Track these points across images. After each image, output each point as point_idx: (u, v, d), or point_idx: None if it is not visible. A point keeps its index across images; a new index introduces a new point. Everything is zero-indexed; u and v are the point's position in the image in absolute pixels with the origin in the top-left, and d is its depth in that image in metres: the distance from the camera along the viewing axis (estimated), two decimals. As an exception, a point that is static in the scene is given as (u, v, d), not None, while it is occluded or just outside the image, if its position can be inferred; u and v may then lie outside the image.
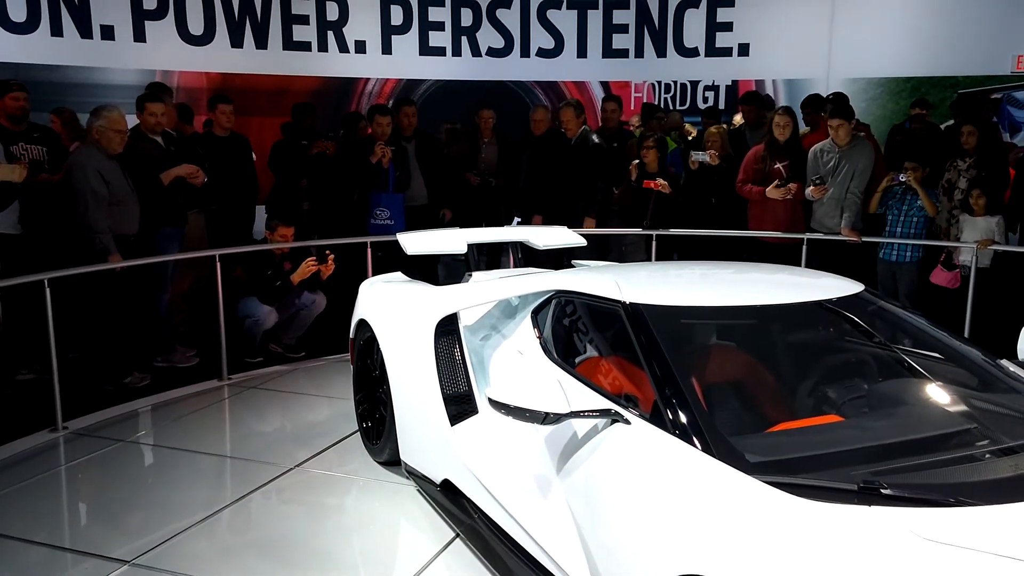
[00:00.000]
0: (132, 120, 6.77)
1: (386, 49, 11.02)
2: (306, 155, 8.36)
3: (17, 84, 6.63)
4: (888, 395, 3.30)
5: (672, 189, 7.64)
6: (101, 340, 6.45)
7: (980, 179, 7.07)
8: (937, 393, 3.23)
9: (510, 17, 11.21)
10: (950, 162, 7.44)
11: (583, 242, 5.62)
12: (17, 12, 8.77)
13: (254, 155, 8.35)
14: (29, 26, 8.88)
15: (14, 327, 6.33)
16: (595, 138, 8.07)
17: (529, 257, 5.80)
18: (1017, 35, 9.88)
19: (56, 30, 9.03)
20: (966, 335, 6.35)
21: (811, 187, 7.12)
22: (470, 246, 5.34)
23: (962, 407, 3.08)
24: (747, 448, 2.69)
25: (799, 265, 7.02)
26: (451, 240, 5.28)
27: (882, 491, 2.38)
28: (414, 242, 5.24)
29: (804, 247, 7.24)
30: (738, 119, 9.28)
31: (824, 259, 7.01)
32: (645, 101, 10.55)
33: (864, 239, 7.15)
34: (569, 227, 6.07)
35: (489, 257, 6.79)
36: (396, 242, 5.43)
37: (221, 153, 7.64)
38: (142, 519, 4.40)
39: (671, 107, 11.16)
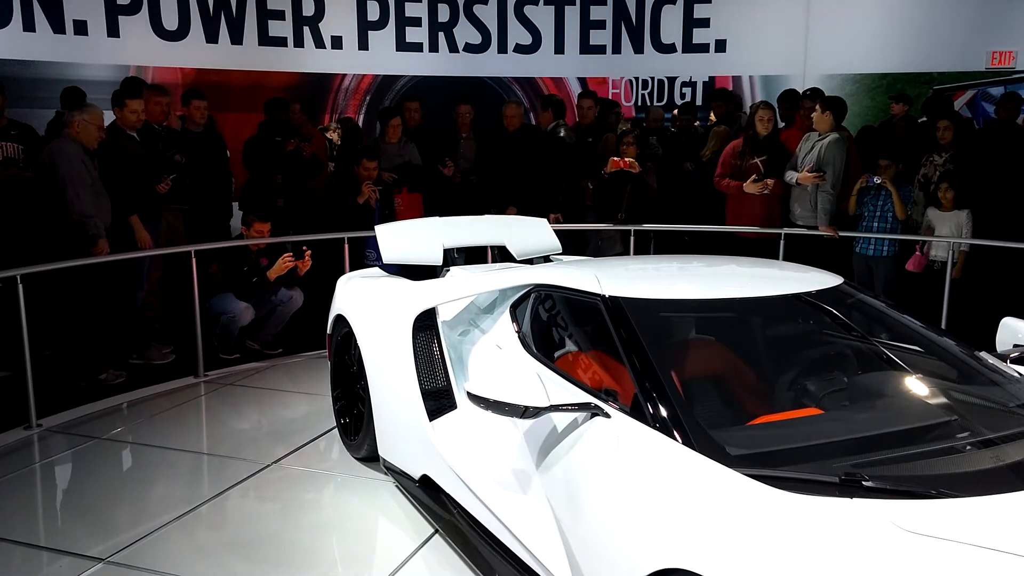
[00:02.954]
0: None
1: (363, 45, 10.98)
2: (280, 152, 8.31)
3: None
4: (868, 388, 3.29)
5: (640, 169, 7.67)
6: (76, 337, 6.38)
7: (949, 173, 7.13)
8: (917, 386, 3.23)
9: (487, 13, 11.21)
10: (926, 157, 7.49)
11: (559, 248, 5.58)
12: (-12, 7, 8.68)
13: (228, 151, 8.29)
14: (1, 21, 8.77)
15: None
16: (562, 132, 8.09)
17: (506, 252, 5.77)
18: (992, 31, 9.98)
19: (28, 25, 8.92)
20: (943, 328, 6.39)
21: (795, 173, 7.14)
22: (446, 250, 5.24)
23: (942, 399, 3.08)
24: (728, 441, 2.68)
25: (776, 260, 7.04)
26: (428, 238, 5.21)
27: (863, 483, 2.38)
28: (391, 241, 5.17)
29: (782, 242, 7.26)
30: (714, 117, 9.33)
31: (801, 254, 7.03)
32: (609, 98, 10.55)
33: (841, 234, 7.18)
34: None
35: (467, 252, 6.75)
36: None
37: (195, 149, 7.57)
38: (118, 517, 4.35)
39: (648, 103, 11.20)
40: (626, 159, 7.65)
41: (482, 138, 8.67)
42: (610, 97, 10.75)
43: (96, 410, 5.92)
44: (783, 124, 8.22)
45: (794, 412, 3.18)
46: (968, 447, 2.73)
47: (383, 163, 8.14)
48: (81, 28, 9.25)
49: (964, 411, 2.98)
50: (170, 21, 9.85)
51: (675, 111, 9.81)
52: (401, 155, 8.35)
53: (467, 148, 8.66)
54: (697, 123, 9.33)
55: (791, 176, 7.20)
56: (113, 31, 9.48)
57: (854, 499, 2.33)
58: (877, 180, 6.97)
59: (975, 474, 2.55)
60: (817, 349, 3.61)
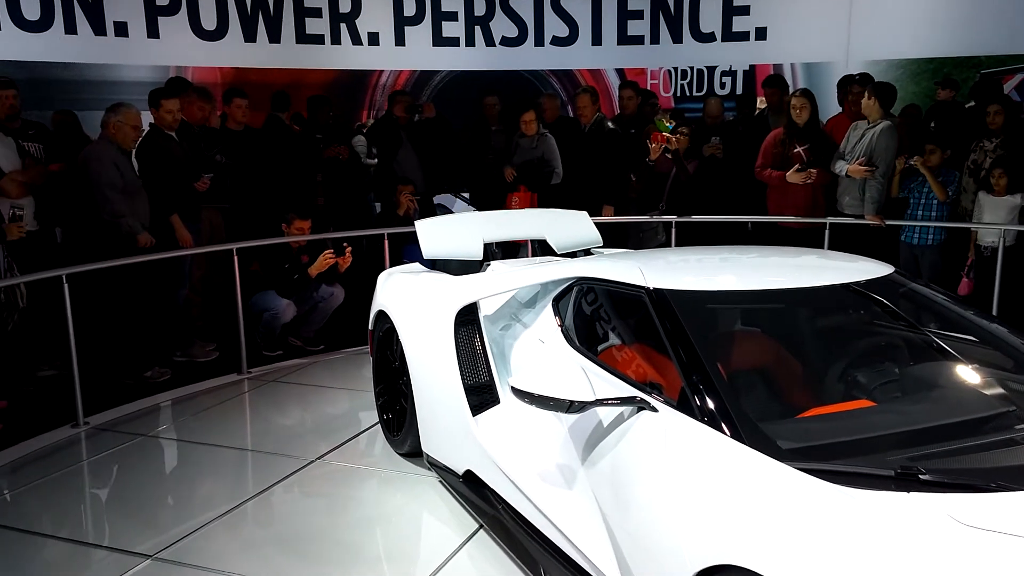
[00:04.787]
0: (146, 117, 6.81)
1: (399, 41, 10.97)
2: (320, 152, 8.35)
3: (5, 81, 6.51)
4: (921, 379, 3.22)
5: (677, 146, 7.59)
6: (120, 335, 6.45)
7: (1003, 159, 6.96)
8: (972, 376, 3.14)
9: (524, 6, 11.13)
10: (976, 142, 7.32)
11: (600, 241, 5.52)
12: (31, 10, 8.78)
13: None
14: (43, 24, 8.88)
15: (34, 323, 6.31)
16: (610, 124, 8.05)
17: (547, 245, 5.73)
18: (1040, 14, 9.71)
19: (70, 27, 9.02)
20: (995, 316, 6.26)
21: (845, 164, 7.02)
22: (486, 245, 5.22)
23: (998, 390, 2.99)
24: (778, 435, 2.62)
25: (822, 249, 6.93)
26: (468, 233, 5.18)
27: (920, 477, 2.31)
28: (431, 237, 5.15)
29: (827, 231, 7.14)
30: (763, 103, 9.21)
31: (846, 243, 6.91)
32: (648, 89, 10.46)
33: (888, 223, 7.05)
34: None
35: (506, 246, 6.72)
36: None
37: (236, 148, 7.61)
38: (164, 513, 4.39)
39: (688, 93, 11.10)
40: (664, 133, 7.56)
41: (512, 130, 8.62)
42: (649, 88, 10.65)
43: (142, 408, 5.97)
44: (840, 110, 8.10)
45: (845, 404, 3.11)
46: (1027, 439, 2.65)
47: (517, 157, 8.13)
48: (122, 30, 9.34)
49: (1022, 402, 2.90)
50: (209, 21, 9.92)
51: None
52: (535, 148, 8.13)
53: (498, 140, 8.65)
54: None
55: (841, 167, 7.06)
56: (153, 32, 9.56)
57: (911, 493, 2.27)
58: (911, 163, 6.85)
59: None
60: (868, 340, 3.53)
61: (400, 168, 8.57)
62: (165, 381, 6.46)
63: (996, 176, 6.85)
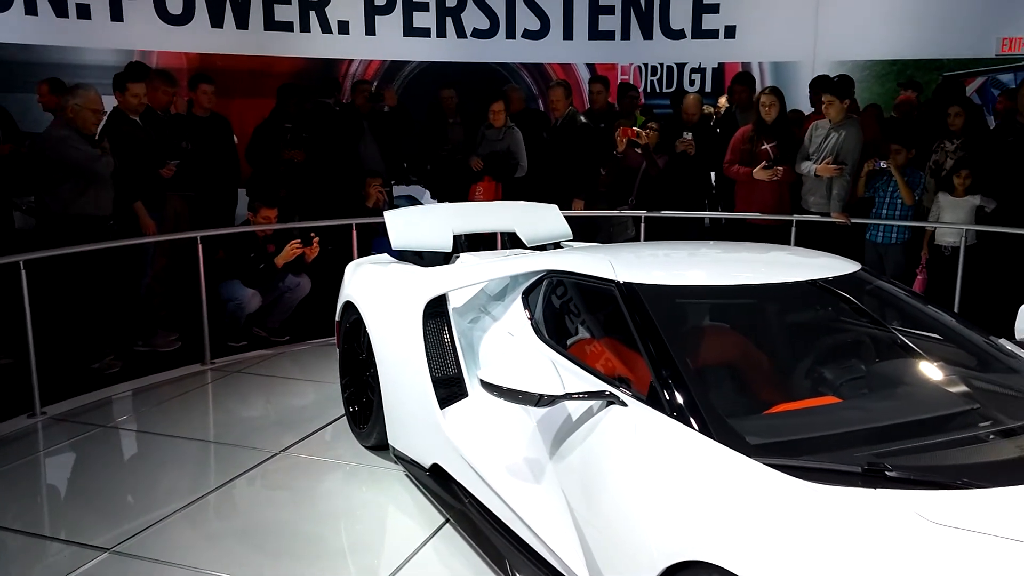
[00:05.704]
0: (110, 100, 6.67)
1: (370, 30, 10.91)
2: (284, 146, 8.23)
3: None
4: (887, 375, 3.25)
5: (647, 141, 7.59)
6: (80, 323, 6.32)
7: (966, 160, 7.05)
8: (937, 373, 3.17)
9: (495, -2, 11.13)
10: (938, 143, 7.40)
11: (570, 234, 5.52)
12: (-11, -11, 8.61)
13: (235, 137, 8.22)
14: (3, 5, 8.70)
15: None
16: (582, 118, 8.06)
17: (516, 238, 5.72)
18: (1002, 18, 9.88)
19: (31, 8, 8.86)
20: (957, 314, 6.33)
21: (811, 164, 7.07)
22: (455, 237, 5.18)
23: (962, 387, 3.03)
24: (746, 430, 2.63)
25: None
26: (438, 224, 5.15)
27: (887, 473, 2.33)
28: (400, 228, 5.11)
29: (793, 228, 7.19)
30: (723, 101, 9.25)
31: (812, 241, 6.97)
32: (621, 82, 10.49)
33: (853, 220, 7.11)
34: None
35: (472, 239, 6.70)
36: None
37: (201, 134, 7.50)
38: (123, 506, 4.32)
39: (657, 90, 11.15)
40: (634, 128, 7.57)
41: (469, 123, 8.59)
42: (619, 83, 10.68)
43: (101, 398, 5.87)
44: (812, 110, 8.16)
45: (812, 400, 3.13)
46: (991, 436, 2.69)
47: (482, 148, 8.11)
48: (84, 12, 9.17)
49: (986, 399, 2.93)
50: (174, 5, 9.78)
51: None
52: (501, 140, 8.12)
53: (455, 133, 8.61)
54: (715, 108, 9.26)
55: (808, 167, 7.12)
56: (117, 15, 9.41)
57: (877, 489, 2.28)
58: (884, 164, 6.93)
59: (1000, 464, 2.51)
60: (834, 336, 3.56)
61: (362, 159, 8.52)
62: (125, 371, 6.33)
63: (962, 177, 6.93)
